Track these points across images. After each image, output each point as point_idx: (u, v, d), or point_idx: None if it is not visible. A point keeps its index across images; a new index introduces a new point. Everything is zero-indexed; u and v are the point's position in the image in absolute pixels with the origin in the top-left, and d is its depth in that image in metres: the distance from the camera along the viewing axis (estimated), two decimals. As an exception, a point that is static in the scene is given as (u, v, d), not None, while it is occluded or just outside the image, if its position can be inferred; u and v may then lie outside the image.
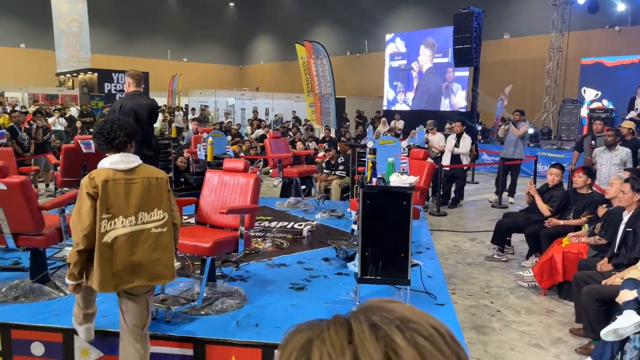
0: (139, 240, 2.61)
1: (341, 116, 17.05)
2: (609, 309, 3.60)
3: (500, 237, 5.93)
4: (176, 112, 17.56)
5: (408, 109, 19.69)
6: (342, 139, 11.80)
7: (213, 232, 3.68)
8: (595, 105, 15.28)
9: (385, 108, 20.66)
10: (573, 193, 5.47)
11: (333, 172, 8.63)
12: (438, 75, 19.04)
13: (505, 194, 9.20)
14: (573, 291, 4.19)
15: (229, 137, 11.38)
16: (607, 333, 3.16)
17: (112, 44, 26.73)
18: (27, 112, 11.14)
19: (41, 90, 21.21)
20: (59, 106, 16.28)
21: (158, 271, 2.66)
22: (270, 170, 9.24)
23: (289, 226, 5.95)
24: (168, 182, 2.77)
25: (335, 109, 14.94)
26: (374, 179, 3.64)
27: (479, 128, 14.53)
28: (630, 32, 16.41)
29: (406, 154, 4.86)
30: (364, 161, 5.51)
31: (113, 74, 17.52)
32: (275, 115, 20.97)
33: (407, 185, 3.50)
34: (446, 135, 9.59)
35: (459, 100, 18.33)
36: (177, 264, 4.15)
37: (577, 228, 5.08)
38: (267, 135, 9.37)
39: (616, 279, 3.73)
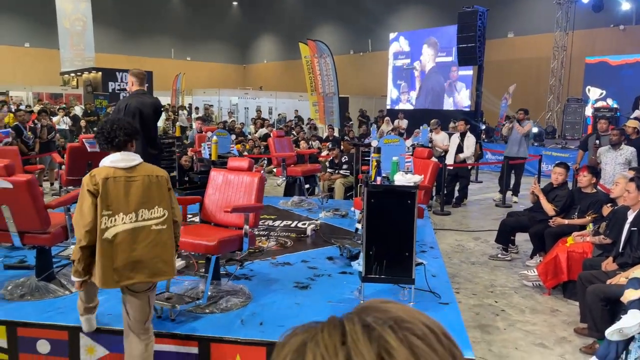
0: (140, 237, 2.64)
1: (344, 115, 17.02)
2: (614, 309, 3.59)
3: (505, 237, 5.92)
4: (180, 111, 17.58)
5: (412, 108, 19.66)
6: (346, 138, 11.79)
7: (218, 231, 3.69)
8: (599, 104, 15.21)
9: (388, 107, 20.61)
10: (578, 192, 5.46)
11: (337, 171, 8.63)
12: (441, 74, 18.99)
13: (509, 193, 9.18)
14: (578, 291, 4.19)
15: (233, 136, 11.39)
16: (612, 332, 3.15)
17: (116, 43, 26.78)
18: (31, 111, 11.20)
19: (45, 89, 21.31)
20: (64, 105, 16.33)
21: (158, 268, 2.70)
22: (274, 169, 9.25)
23: (292, 225, 5.96)
24: (169, 180, 2.79)
25: (338, 108, 14.92)
26: (379, 178, 3.64)
27: (483, 127, 14.47)
28: (635, 31, 16.31)
29: (410, 153, 4.87)
30: (368, 160, 5.52)
31: (117, 73, 17.55)
32: (279, 114, 20.97)
33: (412, 184, 3.51)
34: (450, 135, 9.55)
35: (462, 99, 18.28)
36: (181, 263, 4.18)
37: (582, 227, 5.08)
38: (271, 134, 9.37)
39: (621, 279, 3.72)
